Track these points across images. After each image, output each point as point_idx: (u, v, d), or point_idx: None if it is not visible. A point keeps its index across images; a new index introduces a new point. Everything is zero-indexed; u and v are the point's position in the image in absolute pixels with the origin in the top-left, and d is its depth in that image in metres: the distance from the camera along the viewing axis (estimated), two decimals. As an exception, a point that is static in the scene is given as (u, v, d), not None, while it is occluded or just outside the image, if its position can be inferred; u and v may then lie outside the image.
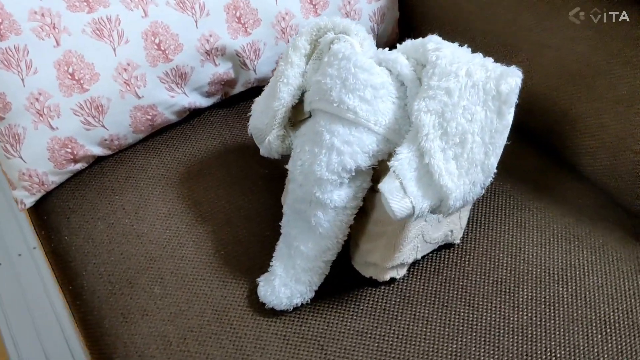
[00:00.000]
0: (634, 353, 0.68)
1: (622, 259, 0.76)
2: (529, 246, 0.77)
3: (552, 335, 0.69)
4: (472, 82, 0.60)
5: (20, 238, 1.50)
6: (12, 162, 0.83)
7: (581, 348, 0.68)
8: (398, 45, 0.67)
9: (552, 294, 0.72)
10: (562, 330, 0.69)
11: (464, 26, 0.95)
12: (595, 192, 0.84)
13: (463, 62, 0.61)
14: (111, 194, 0.86)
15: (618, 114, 0.78)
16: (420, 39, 0.65)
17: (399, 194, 0.60)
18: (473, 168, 0.60)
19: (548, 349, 0.68)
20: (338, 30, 0.70)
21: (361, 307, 0.72)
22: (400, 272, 0.74)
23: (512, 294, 0.73)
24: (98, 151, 0.87)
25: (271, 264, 0.72)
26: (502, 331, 0.69)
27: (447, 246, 0.78)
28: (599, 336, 0.69)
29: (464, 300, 0.72)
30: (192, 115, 0.96)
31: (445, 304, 0.72)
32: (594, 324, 0.70)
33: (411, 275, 0.75)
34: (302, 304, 0.72)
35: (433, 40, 0.63)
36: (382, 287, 0.74)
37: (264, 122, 0.74)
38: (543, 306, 0.71)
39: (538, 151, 0.90)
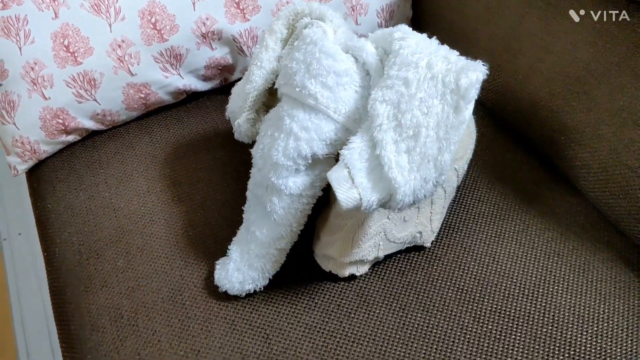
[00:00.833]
0: (594, 379, 0.63)
1: (603, 281, 0.71)
2: (504, 258, 0.73)
3: (510, 351, 0.65)
4: (432, 74, 0.57)
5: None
6: (6, 128, 0.86)
7: (537, 368, 0.64)
8: (370, 33, 0.65)
9: (517, 309, 0.68)
10: (521, 347, 0.65)
11: (470, 28, 0.91)
12: (587, 209, 0.79)
13: (425, 53, 0.59)
14: (98, 167, 0.87)
15: (615, 126, 0.74)
16: (390, 27, 0.63)
17: (347, 184, 0.58)
18: (425, 163, 0.58)
19: (502, 365, 0.64)
20: (314, 15, 0.69)
21: (315, 301, 0.70)
22: (361, 270, 0.71)
23: (475, 304, 0.69)
24: (90, 125, 0.89)
25: (229, 248, 0.71)
26: (457, 341, 0.66)
27: (417, 249, 0.75)
28: (561, 357, 0.64)
29: (423, 305, 0.69)
30: (189, 99, 0.97)
31: (403, 307, 0.69)
32: (558, 345, 0.65)
33: (373, 274, 0.72)
34: (255, 291, 0.70)
35: (401, 30, 0.61)
36: (341, 283, 0.72)
37: (238, 105, 0.73)
38: (506, 320, 0.68)
39: (535, 162, 0.86)
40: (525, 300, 0.69)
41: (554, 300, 0.69)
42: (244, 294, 0.70)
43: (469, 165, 0.85)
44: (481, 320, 0.68)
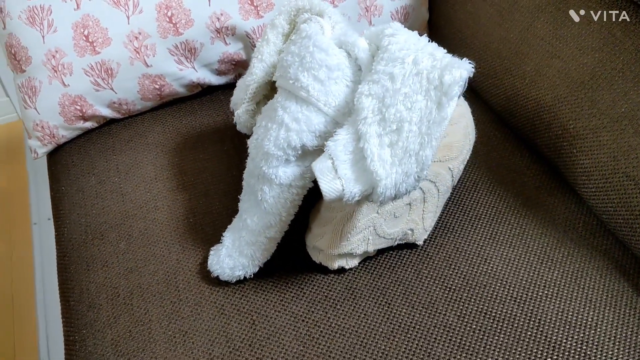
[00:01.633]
0: (575, 385, 0.63)
1: (595, 289, 0.70)
2: (495, 260, 0.73)
3: (491, 351, 0.65)
4: (417, 70, 0.58)
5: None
6: (28, 113, 0.90)
7: (517, 369, 0.63)
8: (365, 30, 0.66)
9: (503, 310, 0.68)
10: (503, 347, 0.65)
11: (483, 31, 0.91)
12: (587, 216, 0.78)
13: (412, 50, 0.59)
14: (111, 153, 0.91)
15: (615, 133, 0.73)
16: (383, 25, 0.64)
17: (330, 175, 0.59)
18: (407, 158, 0.58)
19: (481, 364, 0.64)
20: (314, 11, 0.71)
21: (303, 291, 0.71)
22: (351, 263, 0.72)
23: (461, 304, 0.69)
24: (107, 113, 0.92)
25: (223, 234, 0.73)
26: (438, 338, 0.66)
27: (409, 246, 0.75)
28: (543, 359, 0.64)
29: (409, 301, 0.70)
30: (204, 92, 1.00)
31: (389, 302, 0.70)
32: (540, 348, 0.65)
33: (363, 268, 0.73)
34: (245, 278, 0.72)
35: (392, 27, 0.62)
36: (330, 275, 0.73)
37: (240, 96, 0.75)
38: (490, 320, 0.67)
39: (541, 168, 0.85)
40: (512, 302, 0.69)
41: (542, 304, 0.69)
42: (234, 280, 0.72)
43: (471, 166, 0.85)
44: (465, 319, 0.68)
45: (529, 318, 0.68)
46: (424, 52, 0.59)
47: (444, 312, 0.69)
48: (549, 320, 0.67)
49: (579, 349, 0.65)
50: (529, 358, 0.64)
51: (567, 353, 0.65)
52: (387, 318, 0.68)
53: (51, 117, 0.90)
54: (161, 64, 0.90)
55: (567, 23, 0.80)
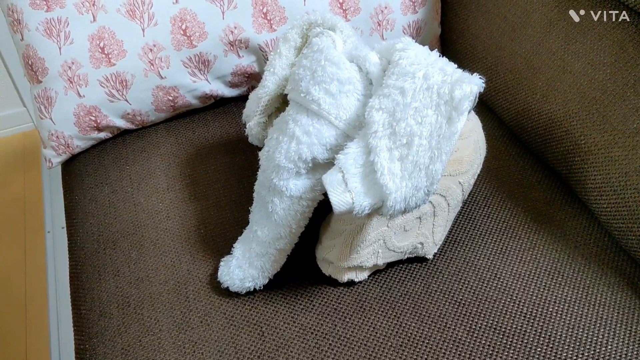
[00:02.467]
0: (585, 402, 0.62)
1: (606, 305, 0.70)
2: (505, 274, 0.73)
3: (500, 367, 0.65)
4: (427, 85, 0.59)
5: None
6: (44, 123, 0.91)
7: (526, 385, 0.63)
8: (376, 44, 0.67)
9: (513, 326, 0.68)
10: (512, 363, 0.65)
11: (495, 46, 0.92)
12: (599, 232, 0.78)
13: (423, 64, 0.60)
14: (124, 163, 0.92)
15: (627, 149, 0.72)
16: (395, 39, 0.64)
17: (340, 188, 0.60)
18: (417, 172, 0.59)
19: (490, 380, 0.64)
20: (326, 25, 0.71)
21: (313, 303, 0.72)
22: (360, 276, 0.72)
23: (471, 318, 0.69)
24: (121, 123, 0.94)
25: (233, 246, 0.73)
26: (448, 352, 0.66)
27: (419, 260, 0.75)
28: (552, 378, 0.64)
29: (418, 315, 0.70)
30: (217, 104, 1.01)
31: (398, 315, 0.70)
32: (550, 365, 0.65)
33: (372, 282, 0.73)
34: (255, 290, 0.73)
35: (403, 41, 0.63)
36: (340, 287, 0.73)
37: (252, 109, 0.76)
38: (500, 336, 0.67)
39: (552, 183, 0.85)
40: (522, 318, 0.69)
41: (552, 320, 0.68)
42: (244, 291, 0.72)
43: (481, 180, 0.85)
44: (475, 334, 0.68)
45: (539, 335, 0.67)
46: (434, 67, 0.60)
47: (453, 327, 0.68)
48: (559, 338, 0.67)
49: (589, 366, 0.64)
50: (538, 374, 0.64)
51: (577, 370, 0.64)
52: (396, 331, 0.68)
53: (66, 127, 0.91)
54: (175, 75, 0.91)
55: (579, 38, 0.80)
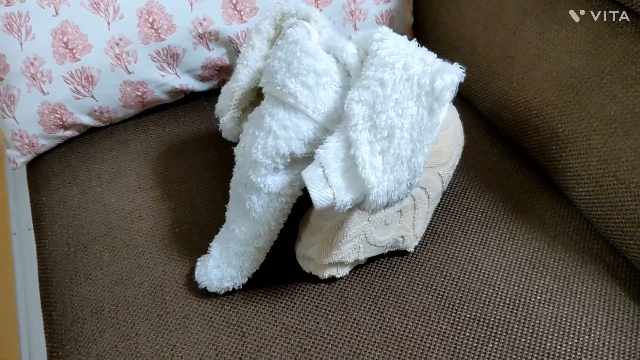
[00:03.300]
0: (570, 392, 0.62)
1: (587, 293, 0.70)
2: (487, 266, 0.72)
3: (486, 359, 0.64)
4: (408, 75, 0.57)
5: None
6: (7, 122, 0.87)
7: (512, 377, 0.63)
8: (352, 35, 0.65)
9: (497, 317, 0.67)
10: (498, 355, 0.64)
11: (469, 35, 0.91)
12: (577, 220, 0.78)
13: (402, 55, 0.58)
14: (92, 162, 0.88)
15: (605, 136, 0.72)
16: (372, 29, 0.63)
17: (321, 183, 0.58)
18: (399, 165, 0.57)
19: (476, 373, 0.63)
20: (300, 16, 0.69)
21: (294, 301, 0.70)
22: (341, 272, 0.71)
23: (454, 311, 0.68)
24: (88, 121, 0.90)
25: (210, 245, 0.71)
26: (432, 346, 0.65)
27: (400, 253, 0.74)
28: (537, 368, 0.63)
29: (401, 309, 0.69)
30: (187, 99, 0.98)
31: (381, 311, 0.69)
32: (535, 355, 0.64)
33: (354, 277, 0.72)
34: (234, 289, 0.71)
35: (380, 31, 0.61)
36: (321, 284, 0.72)
37: (225, 103, 0.74)
38: (484, 328, 0.67)
39: (529, 172, 0.85)
40: (505, 308, 0.68)
41: (535, 310, 0.68)
42: (223, 292, 0.70)
43: (459, 171, 0.84)
44: (459, 327, 0.67)
45: (522, 324, 0.67)
46: (414, 57, 0.58)
47: (437, 320, 0.68)
48: (542, 327, 0.67)
49: (573, 355, 0.64)
50: (523, 365, 0.63)
51: (562, 359, 0.64)
52: (380, 327, 0.67)
53: (30, 126, 0.87)
54: (143, 70, 0.88)
55: (553, 26, 0.79)
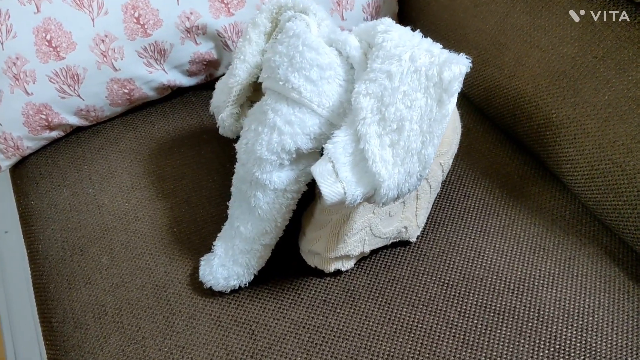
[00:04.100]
0: (579, 373, 0.63)
1: (588, 276, 0.71)
2: (489, 252, 0.73)
3: (495, 346, 0.65)
4: (415, 67, 0.57)
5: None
6: (-11, 124, 0.84)
7: (523, 362, 0.64)
8: (353, 27, 0.65)
9: (503, 304, 0.68)
10: (507, 341, 0.65)
11: (458, 23, 0.91)
12: (574, 204, 0.79)
13: (408, 46, 0.58)
14: (82, 163, 0.86)
15: (600, 121, 0.73)
16: (374, 21, 0.62)
17: (331, 178, 0.57)
18: (409, 157, 0.57)
19: (488, 359, 0.64)
20: (297, 9, 0.68)
21: (301, 296, 0.70)
22: (347, 265, 0.71)
23: (460, 299, 0.69)
24: (74, 121, 0.88)
25: (214, 244, 0.70)
26: (442, 335, 0.66)
27: (402, 244, 0.75)
28: (546, 351, 0.64)
29: (408, 300, 0.69)
30: (174, 94, 0.96)
31: (389, 302, 0.69)
32: (543, 339, 0.65)
33: (359, 269, 0.72)
34: (240, 287, 0.70)
35: (384, 23, 0.61)
36: (327, 278, 0.71)
37: (222, 99, 0.72)
38: (492, 315, 0.67)
39: (523, 157, 0.86)
40: (510, 294, 0.69)
41: (539, 294, 0.69)
42: (229, 290, 0.69)
43: (454, 160, 0.85)
44: (467, 315, 0.68)
45: (528, 309, 0.68)
46: (420, 48, 0.58)
47: (444, 309, 0.68)
48: (547, 311, 0.68)
49: (579, 337, 0.66)
50: (533, 350, 0.64)
51: (569, 342, 0.65)
52: (389, 318, 0.67)
53: (15, 128, 0.84)
54: (130, 67, 0.86)
55: (544, 13, 0.80)
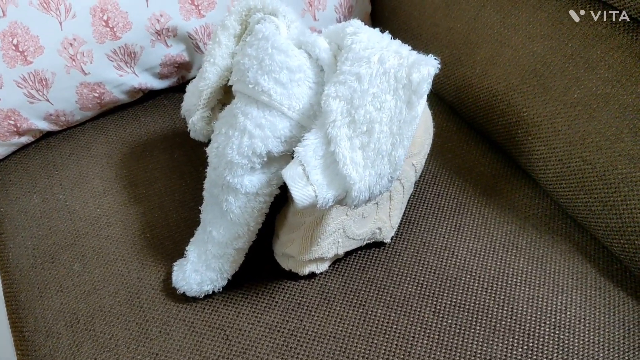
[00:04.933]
0: (552, 370, 0.64)
1: (561, 273, 0.72)
2: (462, 251, 0.74)
3: (469, 345, 0.65)
4: (384, 69, 0.57)
5: None
6: (-44, 131, 0.83)
7: (497, 359, 0.64)
8: (323, 29, 0.64)
9: (476, 302, 0.69)
10: (480, 340, 0.65)
11: (429, 22, 0.91)
12: (546, 202, 0.80)
13: (377, 48, 0.58)
14: (52, 168, 0.85)
15: (570, 119, 0.74)
16: (343, 22, 0.62)
17: (302, 182, 0.57)
18: (379, 159, 0.57)
19: (463, 358, 0.64)
20: (267, 10, 0.68)
21: (275, 300, 0.69)
22: (321, 267, 0.71)
23: (434, 299, 0.69)
24: (44, 126, 0.87)
25: (186, 249, 0.70)
26: (417, 335, 0.66)
27: (377, 245, 0.75)
28: (520, 349, 0.65)
29: (383, 300, 0.69)
30: (146, 97, 0.95)
31: (363, 303, 0.69)
32: (516, 337, 0.66)
33: (333, 272, 0.72)
34: (214, 292, 0.69)
35: (353, 24, 0.61)
36: (301, 281, 0.71)
37: (193, 102, 0.72)
38: (465, 314, 0.68)
39: (495, 156, 0.86)
40: (484, 293, 0.70)
41: (512, 292, 0.70)
42: (203, 295, 0.69)
43: (428, 159, 0.85)
44: (441, 315, 0.68)
45: (501, 308, 0.68)
46: (389, 50, 0.58)
47: (419, 309, 0.68)
48: (520, 309, 0.68)
49: (552, 334, 0.66)
50: (507, 349, 0.65)
51: (541, 339, 0.66)
52: (364, 320, 0.67)
53: (-18, 134, 0.83)
54: (100, 70, 0.85)
55: (513, 11, 0.81)
